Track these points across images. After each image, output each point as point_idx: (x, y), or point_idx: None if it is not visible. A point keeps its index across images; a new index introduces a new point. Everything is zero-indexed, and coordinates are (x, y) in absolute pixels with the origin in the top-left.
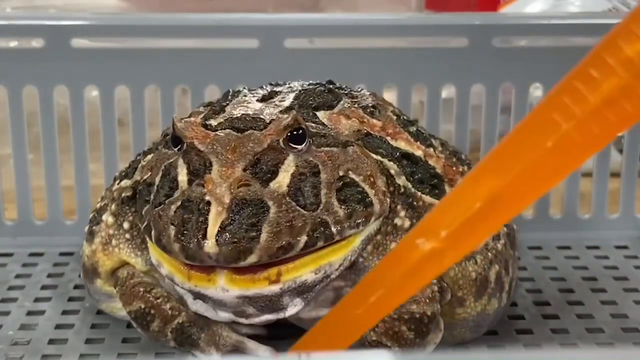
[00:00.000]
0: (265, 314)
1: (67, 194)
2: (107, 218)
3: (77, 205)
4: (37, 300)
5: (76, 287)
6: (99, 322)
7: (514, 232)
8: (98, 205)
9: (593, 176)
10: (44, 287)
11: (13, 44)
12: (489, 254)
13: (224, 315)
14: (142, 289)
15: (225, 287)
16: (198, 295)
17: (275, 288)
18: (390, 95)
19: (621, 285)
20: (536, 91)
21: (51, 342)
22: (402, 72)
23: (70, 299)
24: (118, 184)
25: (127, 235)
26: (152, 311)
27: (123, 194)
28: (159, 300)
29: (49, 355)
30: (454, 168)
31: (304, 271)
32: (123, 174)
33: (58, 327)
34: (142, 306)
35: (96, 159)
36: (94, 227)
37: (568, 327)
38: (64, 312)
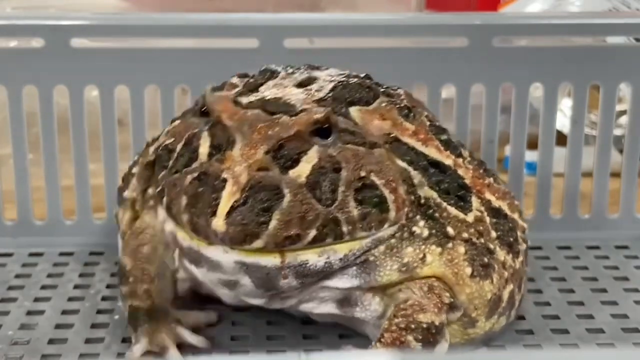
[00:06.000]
0: (259, 288)
1: (66, 194)
2: (134, 181)
3: (76, 205)
4: (37, 300)
5: (76, 287)
6: (99, 322)
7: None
8: (130, 169)
9: (593, 176)
10: (43, 287)
11: (13, 44)
12: (506, 272)
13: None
14: (144, 250)
15: (226, 248)
16: (195, 256)
17: (276, 261)
18: None
19: (621, 286)
20: (536, 91)
21: (51, 342)
22: (402, 72)
23: (70, 299)
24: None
25: (151, 202)
26: (131, 279)
27: (148, 159)
28: (143, 276)
29: (48, 355)
30: (481, 180)
31: (308, 251)
32: (154, 139)
33: (58, 327)
34: (128, 267)
35: (96, 159)
36: (124, 194)
37: (568, 328)
38: (64, 312)
